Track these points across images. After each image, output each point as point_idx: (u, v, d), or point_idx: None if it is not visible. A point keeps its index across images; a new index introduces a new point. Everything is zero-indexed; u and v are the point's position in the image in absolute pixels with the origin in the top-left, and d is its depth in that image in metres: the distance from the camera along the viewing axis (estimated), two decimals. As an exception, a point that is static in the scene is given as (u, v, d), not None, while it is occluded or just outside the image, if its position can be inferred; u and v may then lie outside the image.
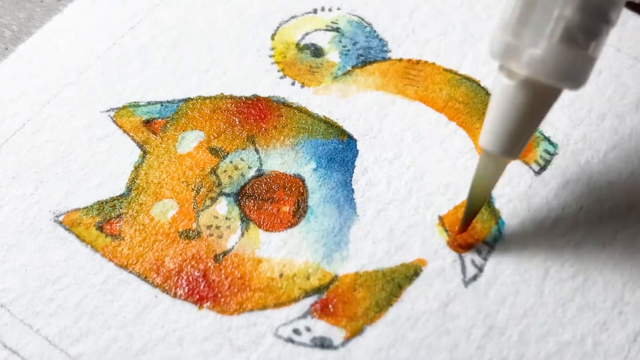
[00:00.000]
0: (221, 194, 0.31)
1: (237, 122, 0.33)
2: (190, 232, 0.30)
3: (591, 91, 0.34)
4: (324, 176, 0.31)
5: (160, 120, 0.33)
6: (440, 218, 0.31)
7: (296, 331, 0.28)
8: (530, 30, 0.25)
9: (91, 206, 0.31)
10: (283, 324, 0.28)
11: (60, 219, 0.30)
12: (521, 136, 0.27)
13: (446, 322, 0.28)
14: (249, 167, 0.32)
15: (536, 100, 0.26)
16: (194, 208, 0.31)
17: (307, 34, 0.36)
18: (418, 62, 0.35)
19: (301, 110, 0.33)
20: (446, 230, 0.30)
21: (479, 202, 0.29)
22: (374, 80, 0.34)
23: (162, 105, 0.33)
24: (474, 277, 0.29)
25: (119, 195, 0.31)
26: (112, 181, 0.31)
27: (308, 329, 0.28)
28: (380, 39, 0.36)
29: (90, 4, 0.36)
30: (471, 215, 0.29)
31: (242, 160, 0.32)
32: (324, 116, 0.33)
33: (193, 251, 0.30)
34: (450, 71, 0.35)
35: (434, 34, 0.36)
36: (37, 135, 0.32)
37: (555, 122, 0.33)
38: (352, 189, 0.31)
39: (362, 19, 0.36)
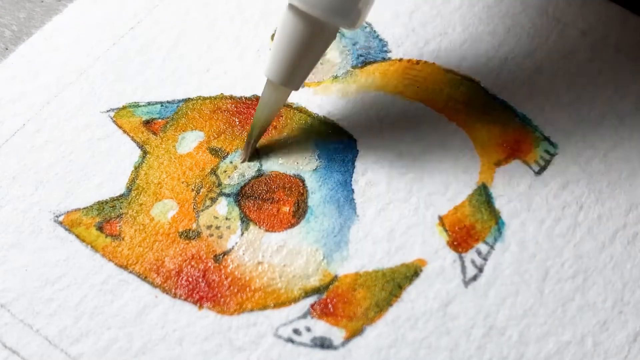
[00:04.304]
0: (221, 194, 0.31)
1: (237, 122, 0.33)
2: (190, 232, 0.30)
3: (591, 91, 0.34)
4: (324, 176, 0.31)
5: (160, 120, 0.33)
6: (440, 218, 0.31)
7: (296, 331, 0.28)
8: None
9: (91, 206, 0.31)
10: (283, 324, 0.28)
11: (60, 219, 0.30)
12: (298, 68, 0.29)
13: (446, 322, 0.28)
14: (249, 167, 0.32)
15: (305, 31, 0.28)
16: (194, 208, 0.31)
17: (307, 34, 0.36)
18: (418, 62, 0.35)
19: (301, 110, 0.33)
20: (446, 230, 0.30)
21: (260, 127, 0.31)
22: (374, 80, 0.34)
23: (162, 105, 0.33)
24: (474, 277, 0.29)
25: (119, 196, 0.31)
26: (112, 181, 0.31)
27: (308, 329, 0.28)
28: (380, 39, 0.35)
29: (90, 4, 0.36)
30: (252, 141, 0.31)
31: (242, 160, 0.32)
32: (323, 116, 0.33)
33: (193, 251, 0.30)
34: (450, 71, 0.35)
35: (434, 34, 0.36)
36: (37, 135, 0.32)
37: (555, 122, 0.33)
38: (352, 189, 0.31)
39: (362, 19, 0.36)
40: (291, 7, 0.28)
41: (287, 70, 0.29)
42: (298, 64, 0.29)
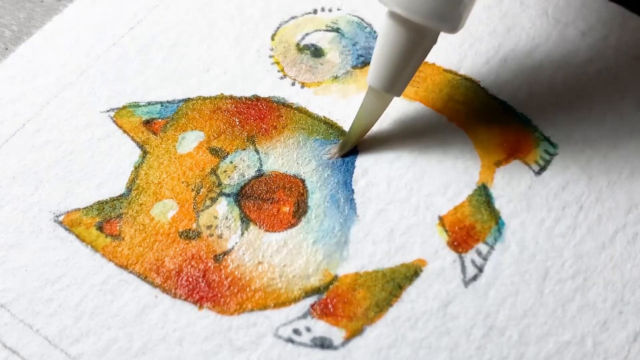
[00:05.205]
0: (221, 194, 0.31)
1: (237, 122, 0.33)
2: (190, 232, 0.30)
3: (591, 91, 0.34)
4: (324, 176, 0.31)
5: (160, 120, 0.33)
6: (440, 218, 0.31)
7: (296, 331, 0.28)
8: None
9: (91, 206, 0.31)
10: (283, 324, 0.28)
11: (60, 219, 0.30)
12: (400, 74, 0.29)
13: (446, 322, 0.28)
14: (249, 167, 0.32)
15: (406, 37, 0.28)
16: (194, 208, 0.31)
17: (307, 34, 0.36)
18: (418, 62, 0.35)
19: (301, 110, 0.33)
20: (446, 230, 0.30)
21: (360, 132, 0.31)
22: (374, 80, 0.34)
23: (162, 105, 0.33)
24: (474, 277, 0.29)
25: (119, 195, 0.31)
26: (112, 181, 0.31)
27: (308, 329, 0.28)
28: (380, 39, 0.35)
29: (90, 4, 0.36)
30: (349, 144, 0.32)
31: (242, 160, 0.32)
32: (324, 116, 0.33)
33: (193, 251, 0.30)
34: (450, 71, 0.35)
35: (434, 34, 0.36)
36: (37, 135, 0.32)
37: (555, 122, 0.33)
38: (352, 189, 0.31)
39: (362, 20, 0.36)
40: (392, 14, 0.28)
41: (390, 77, 0.29)
42: (400, 71, 0.29)
